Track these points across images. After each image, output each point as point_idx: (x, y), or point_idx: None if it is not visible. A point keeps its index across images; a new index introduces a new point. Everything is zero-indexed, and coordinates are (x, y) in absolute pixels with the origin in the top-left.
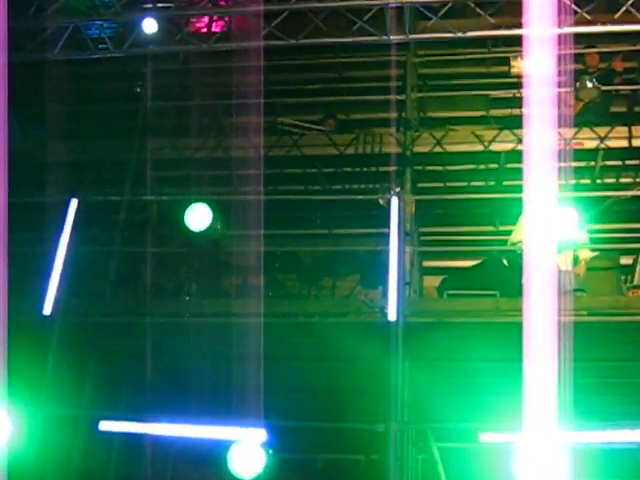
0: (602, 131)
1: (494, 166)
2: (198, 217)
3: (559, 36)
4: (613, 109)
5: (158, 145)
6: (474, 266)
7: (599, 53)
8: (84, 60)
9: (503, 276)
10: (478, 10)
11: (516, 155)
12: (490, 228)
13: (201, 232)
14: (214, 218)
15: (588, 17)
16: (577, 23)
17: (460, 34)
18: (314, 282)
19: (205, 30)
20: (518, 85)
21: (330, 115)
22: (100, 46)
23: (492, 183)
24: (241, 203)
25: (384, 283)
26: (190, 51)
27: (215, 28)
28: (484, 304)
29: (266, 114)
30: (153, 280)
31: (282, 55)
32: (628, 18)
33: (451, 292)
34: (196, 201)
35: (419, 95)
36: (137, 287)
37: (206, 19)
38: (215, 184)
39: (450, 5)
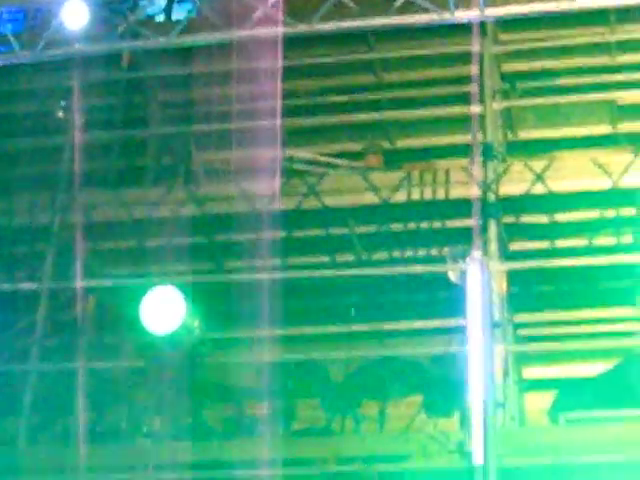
0: None
1: (629, 212)
2: (163, 312)
3: None
4: None
5: (94, 200)
6: (605, 373)
7: None
8: None
9: None
10: None
11: None
12: (628, 311)
13: (168, 336)
14: (189, 313)
15: None
16: None
17: (565, 3)
18: (350, 409)
19: (162, 17)
20: None
21: (368, 143)
22: (0, 48)
23: (628, 239)
24: (232, 287)
25: (462, 406)
26: (139, 50)
27: (178, 13)
28: (625, 433)
29: (265, 145)
30: (91, 416)
31: (288, 51)
32: None
33: (571, 415)
34: (158, 285)
35: (505, 105)
36: (67, 427)
37: None
38: (189, 259)
39: None
